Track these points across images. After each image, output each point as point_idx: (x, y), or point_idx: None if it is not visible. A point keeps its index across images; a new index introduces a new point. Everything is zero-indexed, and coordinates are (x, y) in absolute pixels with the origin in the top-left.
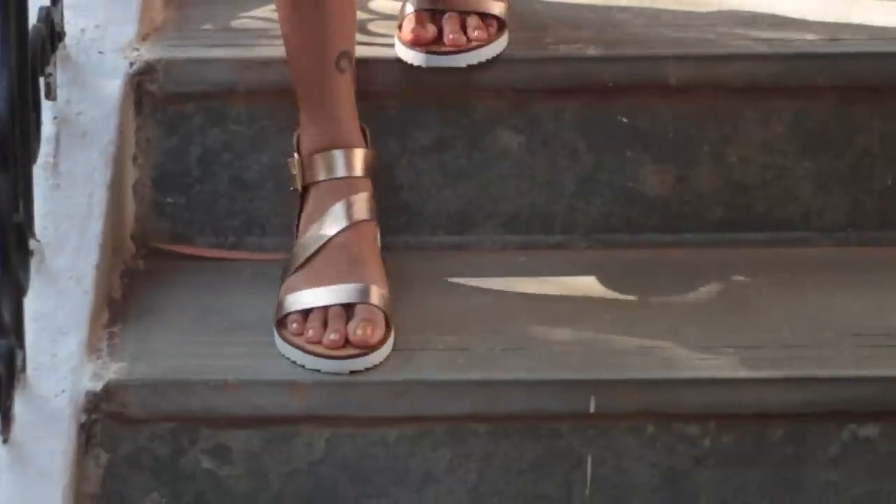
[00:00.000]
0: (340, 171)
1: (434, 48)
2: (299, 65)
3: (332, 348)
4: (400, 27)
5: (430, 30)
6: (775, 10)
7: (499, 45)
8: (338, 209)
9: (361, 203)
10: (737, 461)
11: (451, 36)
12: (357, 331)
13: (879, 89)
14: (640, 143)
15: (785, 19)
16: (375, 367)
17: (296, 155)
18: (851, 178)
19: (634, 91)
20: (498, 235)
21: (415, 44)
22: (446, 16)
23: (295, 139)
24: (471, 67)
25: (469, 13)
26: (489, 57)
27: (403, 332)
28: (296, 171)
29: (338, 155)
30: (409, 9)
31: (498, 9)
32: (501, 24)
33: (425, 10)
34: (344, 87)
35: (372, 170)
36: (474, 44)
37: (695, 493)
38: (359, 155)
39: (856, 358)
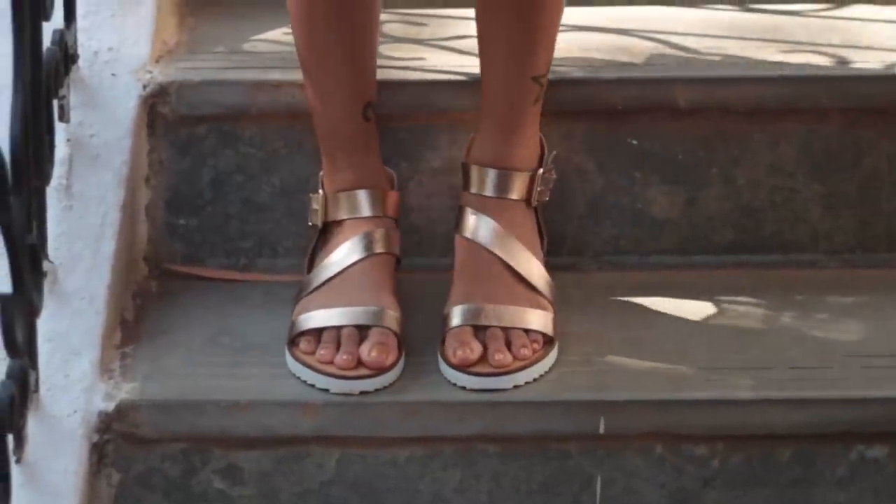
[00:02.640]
0: (364, 212)
1: (478, 369)
2: (324, 118)
3: (344, 368)
4: (443, 341)
5: (476, 349)
6: (784, 33)
7: (547, 363)
8: (357, 241)
9: (382, 236)
10: (745, 482)
11: (496, 357)
12: (371, 353)
13: (887, 112)
14: (649, 166)
15: (793, 42)
16: (385, 387)
17: (320, 191)
18: (859, 200)
19: (644, 113)
20: None
21: (461, 366)
22: (489, 332)
23: (319, 178)
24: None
25: (512, 329)
26: (537, 376)
27: (413, 352)
28: (317, 206)
29: (362, 195)
30: (453, 322)
31: (539, 322)
32: (548, 339)
33: (469, 325)
34: (369, 136)
35: (397, 211)
36: (519, 363)
37: None
38: (384, 196)
39: (864, 379)
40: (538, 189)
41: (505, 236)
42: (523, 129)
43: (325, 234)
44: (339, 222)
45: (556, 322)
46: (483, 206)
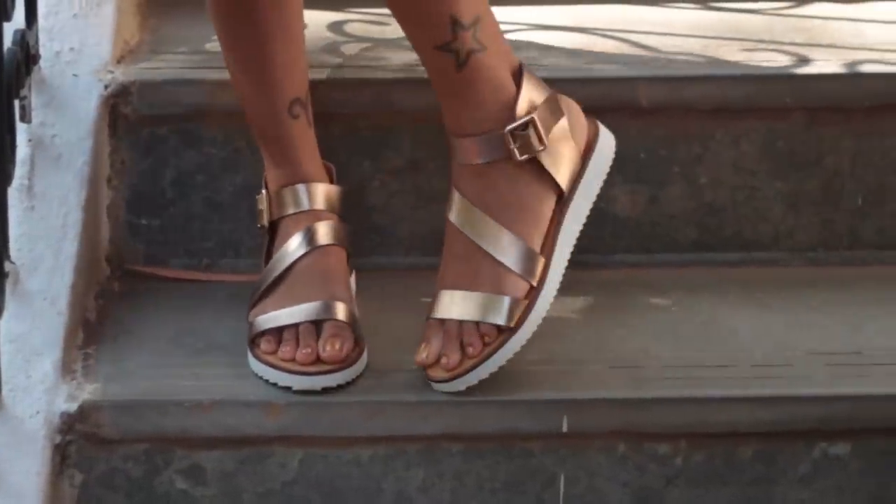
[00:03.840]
0: (304, 205)
1: (432, 374)
2: (252, 113)
3: (305, 364)
4: None
5: (434, 348)
6: (746, 31)
7: (500, 356)
8: (301, 235)
9: (325, 229)
10: (707, 480)
11: (442, 360)
12: (326, 346)
13: (849, 110)
14: (611, 165)
15: (755, 40)
16: (348, 384)
17: (263, 191)
18: (822, 198)
19: (606, 112)
20: None
21: (420, 366)
22: (446, 326)
23: (263, 178)
24: None
25: (464, 322)
26: (488, 374)
27: (377, 352)
28: (263, 206)
29: (301, 189)
30: (430, 313)
31: (492, 312)
32: (504, 329)
33: (434, 318)
34: (300, 132)
35: (338, 205)
36: (469, 363)
37: None
38: (322, 189)
39: (826, 377)
40: (514, 147)
41: (470, 211)
42: (464, 95)
43: (273, 232)
44: (283, 219)
45: (528, 301)
46: (462, 176)
